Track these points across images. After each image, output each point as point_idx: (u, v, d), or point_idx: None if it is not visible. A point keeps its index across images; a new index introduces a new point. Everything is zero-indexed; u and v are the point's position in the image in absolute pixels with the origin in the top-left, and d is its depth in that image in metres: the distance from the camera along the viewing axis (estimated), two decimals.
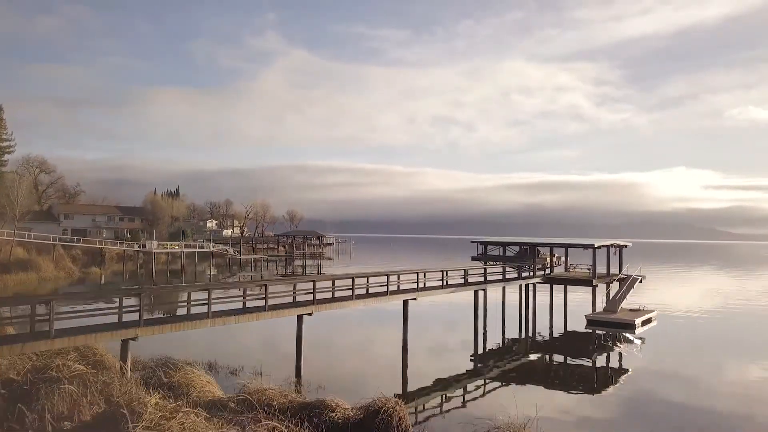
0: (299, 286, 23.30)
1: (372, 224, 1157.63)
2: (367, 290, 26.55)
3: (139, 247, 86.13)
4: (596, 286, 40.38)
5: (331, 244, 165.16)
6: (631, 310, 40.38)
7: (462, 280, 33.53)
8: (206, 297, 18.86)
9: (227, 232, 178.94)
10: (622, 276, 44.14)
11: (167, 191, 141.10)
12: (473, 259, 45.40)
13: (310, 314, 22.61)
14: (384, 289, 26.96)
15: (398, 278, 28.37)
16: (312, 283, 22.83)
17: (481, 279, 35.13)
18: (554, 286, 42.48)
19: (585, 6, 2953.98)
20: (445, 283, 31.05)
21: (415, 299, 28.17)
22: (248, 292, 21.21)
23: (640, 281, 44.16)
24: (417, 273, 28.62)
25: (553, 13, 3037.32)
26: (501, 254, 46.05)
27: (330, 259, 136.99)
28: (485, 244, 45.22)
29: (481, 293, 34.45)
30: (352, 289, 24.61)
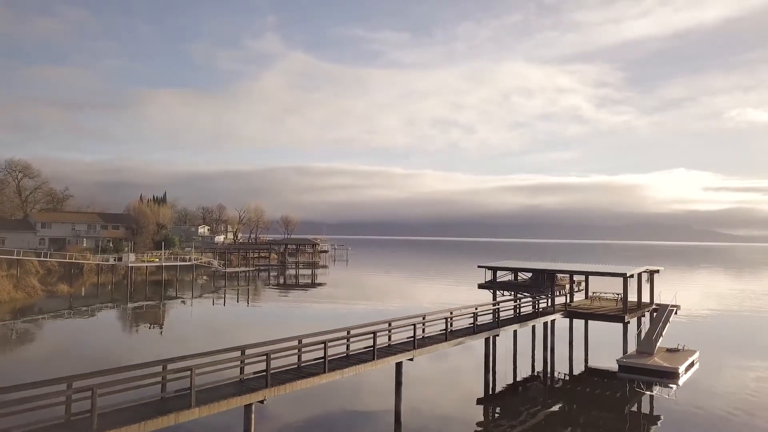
0: (249, 357, 16.67)
1: (371, 226, 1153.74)
2: (347, 351, 20.06)
3: (115, 260, 79.48)
4: (628, 322, 33.89)
5: (326, 251, 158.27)
6: (668, 350, 33.89)
7: (469, 320, 27.09)
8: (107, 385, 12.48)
9: (219, 239, 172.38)
10: (656, 306, 37.74)
11: (154, 197, 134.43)
12: (480, 287, 38.87)
13: (262, 402, 16.08)
14: (370, 343, 20.48)
15: (389, 330, 21.85)
16: (265, 357, 16.21)
17: (492, 318, 28.65)
18: (582, 321, 35.95)
19: (584, 8, 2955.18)
20: (449, 330, 24.52)
21: (411, 359, 21.69)
22: (171, 376, 14.68)
23: (676, 312, 37.75)
24: (414, 324, 21.99)
25: (552, 16, 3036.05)
26: (513, 279, 39.69)
27: (325, 267, 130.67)
28: (494, 269, 38.65)
29: (492, 338, 27.91)
30: (324, 358, 18.04)
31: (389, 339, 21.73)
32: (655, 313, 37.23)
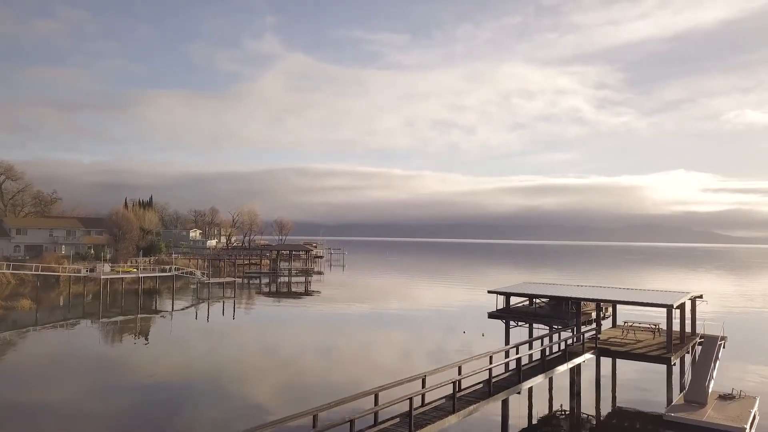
0: None
1: (370, 227, 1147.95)
2: None
3: (88, 271, 73.21)
4: (674, 364, 27.75)
5: (321, 257, 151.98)
6: (721, 396, 27.67)
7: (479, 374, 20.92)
8: None
9: (212, 243, 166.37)
10: (700, 339, 31.61)
11: (139, 201, 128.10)
12: (491, 316, 32.64)
13: None
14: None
15: (376, 409, 15.58)
16: None
17: (509, 370, 22.53)
18: (609, 358, 29.78)
19: (583, 10, 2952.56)
20: (457, 396, 18.25)
21: None
22: None
23: (724, 346, 31.64)
24: (411, 398, 15.69)
25: (551, 17, 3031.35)
26: (529, 305, 33.60)
27: (321, 273, 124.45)
28: (507, 295, 32.44)
29: (512, 397, 21.68)
30: None
31: (375, 421, 15.48)
32: (699, 347, 31.17)
